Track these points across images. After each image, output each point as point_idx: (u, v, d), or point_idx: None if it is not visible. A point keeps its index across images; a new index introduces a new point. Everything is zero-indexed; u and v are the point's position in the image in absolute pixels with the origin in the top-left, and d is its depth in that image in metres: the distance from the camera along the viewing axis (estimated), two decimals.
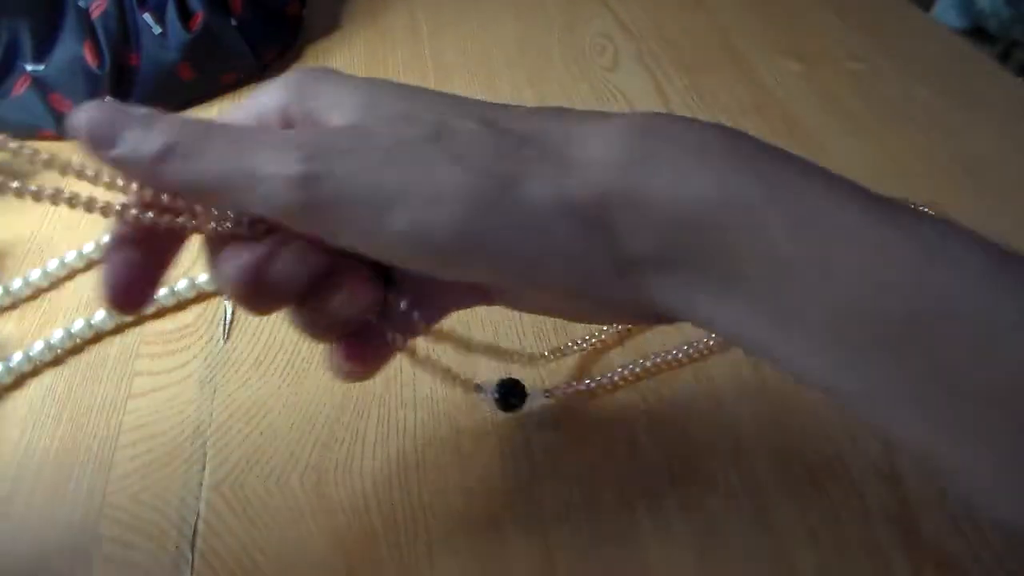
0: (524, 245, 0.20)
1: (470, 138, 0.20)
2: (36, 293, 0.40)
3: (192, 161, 0.20)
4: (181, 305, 0.38)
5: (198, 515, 0.29)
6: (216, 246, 0.22)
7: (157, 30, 0.50)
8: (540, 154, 0.20)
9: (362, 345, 0.24)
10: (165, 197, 0.21)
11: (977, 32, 1.00)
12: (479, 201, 0.19)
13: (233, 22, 0.53)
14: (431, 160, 0.19)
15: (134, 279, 0.21)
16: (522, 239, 0.19)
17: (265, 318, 0.37)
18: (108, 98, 0.22)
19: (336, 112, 0.21)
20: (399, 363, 0.33)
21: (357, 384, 0.33)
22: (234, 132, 0.20)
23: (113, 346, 0.36)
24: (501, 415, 0.31)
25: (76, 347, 0.37)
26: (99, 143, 0.20)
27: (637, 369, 0.32)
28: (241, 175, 0.19)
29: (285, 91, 0.22)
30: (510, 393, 0.30)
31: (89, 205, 0.21)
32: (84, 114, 0.20)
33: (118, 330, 0.37)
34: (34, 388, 0.35)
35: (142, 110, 0.20)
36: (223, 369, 0.34)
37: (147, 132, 0.20)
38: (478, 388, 0.29)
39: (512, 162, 0.19)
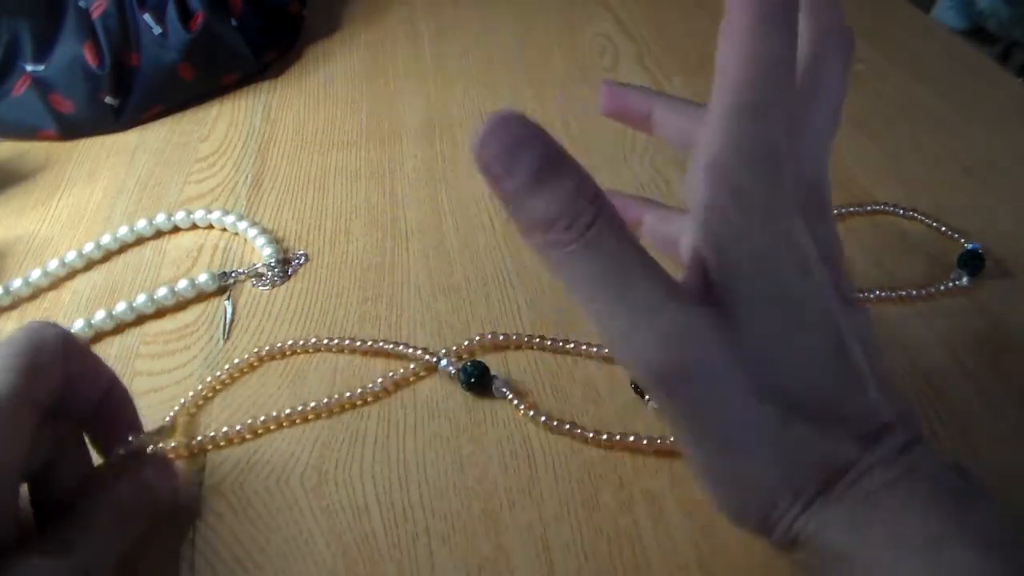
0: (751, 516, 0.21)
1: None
2: (36, 293, 0.40)
3: (568, 254, 0.19)
4: (181, 305, 0.38)
5: (198, 515, 0.29)
6: None
7: (157, 30, 0.50)
8: (820, 494, 0.19)
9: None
10: None
11: (977, 32, 1.00)
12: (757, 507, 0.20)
13: (233, 22, 0.53)
14: (747, 453, 0.20)
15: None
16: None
17: (265, 318, 0.37)
18: (516, 119, 0.19)
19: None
20: (399, 364, 0.34)
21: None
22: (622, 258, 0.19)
23: (113, 346, 0.36)
24: (499, 412, 0.31)
25: None
26: (493, 178, 0.19)
27: None
28: (609, 321, 0.19)
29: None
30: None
31: None
32: (488, 137, 0.19)
33: (118, 330, 0.37)
34: None
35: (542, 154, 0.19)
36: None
37: (535, 198, 0.19)
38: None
39: (790, 491, 0.20)
